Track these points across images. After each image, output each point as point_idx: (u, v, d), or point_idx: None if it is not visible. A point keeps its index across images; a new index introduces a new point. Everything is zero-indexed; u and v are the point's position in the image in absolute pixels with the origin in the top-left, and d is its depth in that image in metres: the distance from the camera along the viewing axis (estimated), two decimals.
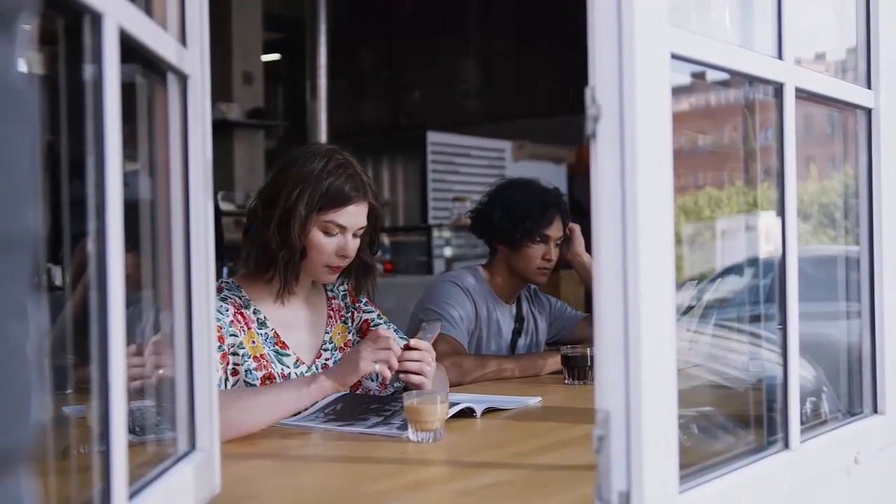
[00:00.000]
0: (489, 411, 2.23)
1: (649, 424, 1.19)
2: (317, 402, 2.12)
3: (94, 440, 1.34)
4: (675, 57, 1.28)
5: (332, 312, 2.43)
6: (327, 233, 2.25)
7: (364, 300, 2.50)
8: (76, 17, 0.99)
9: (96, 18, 1.00)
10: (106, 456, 1.01)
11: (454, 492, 1.59)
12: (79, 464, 1.37)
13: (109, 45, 1.01)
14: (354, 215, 2.27)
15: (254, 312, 2.27)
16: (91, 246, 1.00)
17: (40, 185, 0.61)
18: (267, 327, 2.27)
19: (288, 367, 2.27)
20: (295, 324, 2.34)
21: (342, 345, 2.41)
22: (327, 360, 2.36)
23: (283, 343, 2.29)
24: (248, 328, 2.24)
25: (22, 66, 0.61)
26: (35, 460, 0.64)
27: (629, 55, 1.18)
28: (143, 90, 1.32)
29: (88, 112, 1.01)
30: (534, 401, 2.40)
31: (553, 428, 2.13)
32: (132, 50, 1.12)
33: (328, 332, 2.40)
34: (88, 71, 1.01)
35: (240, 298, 2.27)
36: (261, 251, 2.25)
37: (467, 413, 2.15)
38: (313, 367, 2.32)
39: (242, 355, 2.19)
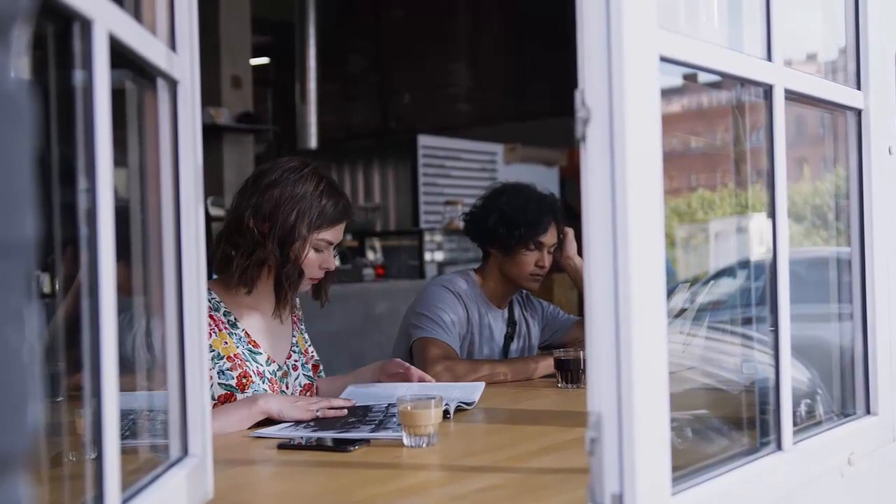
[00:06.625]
0: (459, 410, 2.27)
1: (641, 426, 1.18)
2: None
3: (81, 447, 1.34)
4: (664, 59, 1.28)
5: (295, 319, 2.55)
6: (317, 250, 2.36)
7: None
8: (65, 22, 0.99)
9: (86, 25, 1.00)
10: (99, 462, 1.00)
11: (448, 496, 1.59)
12: (67, 471, 1.37)
13: (99, 51, 1.01)
14: (341, 232, 2.41)
15: (224, 315, 2.35)
16: (82, 252, 1.00)
17: (36, 191, 0.62)
18: (238, 328, 2.35)
19: (261, 364, 2.36)
20: (265, 328, 2.43)
21: (304, 349, 2.54)
22: (296, 361, 2.48)
23: (255, 342, 2.37)
24: (220, 330, 2.31)
25: (17, 73, 0.61)
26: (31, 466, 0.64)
27: (618, 58, 1.19)
28: (133, 95, 1.32)
29: (78, 117, 1.01)
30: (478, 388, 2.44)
31: (546, 431, 2.13)
32: (121, 55, 1.12)
33: (294, 336, 2.52)
34: (78, 77, 1.01)
35: (210, 301, 2.31)
36: (255, 267, 2.32)
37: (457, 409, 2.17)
38: (284, 367, 2.43)
39: (213, 357, 2.26)
